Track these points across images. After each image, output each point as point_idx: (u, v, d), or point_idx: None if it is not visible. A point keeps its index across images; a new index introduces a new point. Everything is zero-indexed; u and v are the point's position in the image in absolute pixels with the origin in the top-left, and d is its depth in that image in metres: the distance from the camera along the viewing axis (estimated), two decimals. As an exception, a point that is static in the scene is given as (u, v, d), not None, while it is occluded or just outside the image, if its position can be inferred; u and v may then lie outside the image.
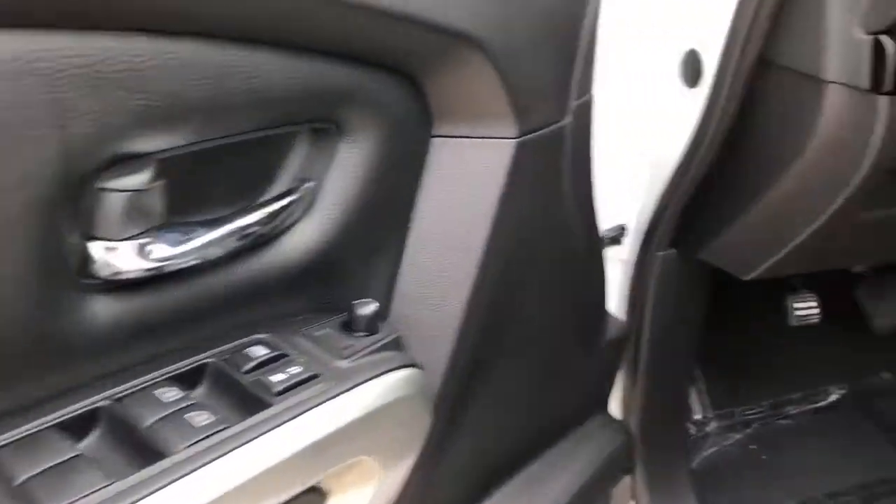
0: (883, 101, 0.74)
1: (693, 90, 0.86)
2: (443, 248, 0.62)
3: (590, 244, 0.81)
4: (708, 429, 1.27)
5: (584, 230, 0.79)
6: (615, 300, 1.02)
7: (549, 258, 0.73)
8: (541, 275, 0.73)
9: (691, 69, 0.86)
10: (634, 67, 0.93)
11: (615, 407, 1.02)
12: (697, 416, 1.27)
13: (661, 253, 0.97)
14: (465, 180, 0.60)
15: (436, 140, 0.59)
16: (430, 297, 0.62)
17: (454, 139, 0.59)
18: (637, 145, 0.96)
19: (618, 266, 1.01)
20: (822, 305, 1.12)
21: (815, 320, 1.10)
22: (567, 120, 0.66)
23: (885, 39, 0.72)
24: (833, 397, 1.38)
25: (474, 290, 0.63)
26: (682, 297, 1.01)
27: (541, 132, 0.62)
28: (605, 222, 1.00)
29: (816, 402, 1.36)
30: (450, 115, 0.59)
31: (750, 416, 1.32)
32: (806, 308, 1.08)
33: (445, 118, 0.59)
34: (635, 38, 0.92)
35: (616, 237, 1.01)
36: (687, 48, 0.87)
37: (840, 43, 0.74)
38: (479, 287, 0.63)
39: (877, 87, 0.73)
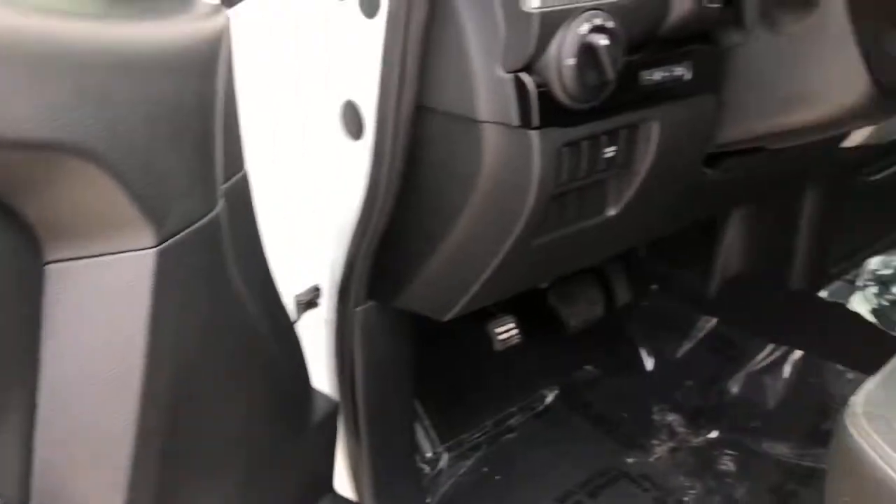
0: (534, 136, 0.76)
1: (358, 142, 0.84)
2: (91, 387, 0.51)
3: (275, 323, 0.75)
4: (441, 464, 1.27)
5: (265, 310, 0.72)
6: (324, 364, 0.98)
7: (230, 355, 0.66)
8: (225, 376, 0.66)
9: (352, 121, 0.84)
10: (297, 125, 0.89)
11: (344, 481, 0.98)
12: (429, 454, 1.27)
13: (359, 308, 0.95)
14: (102, 304, 0.51)
15: (52, 267, 0.49)
16: (83, 453, 0.51)
17: (79, 262, 0.49)
18: (315, 202, 0.92)
19: (321, 328, 0.97)
20: (521, 322, 1.17)
21: (518, 340, 1.14)
22: (218, 208, 0.59)
23: (524, 77, 0.75)
24: (549, 399, 1.46)
25: (141, 422, 0.54)
26: (389, 348, 1.00)
27: (187, 231, 0.54)
28: (298, 285, 0.96)
29: (535, 408, 1.43)
30: (67, 237, 0.49)
31: (477, 439, 1.34)
32: (506, 331, 1.12)
33: (62, 241, 0.49)
34: (292, 94, 0.88)
35: (312, 300, 0.96)
36: (344, 100, 0.84)
37: (486, 84, 0.76)
38: (146, 417, 0.54)
39: (526, 122, 0.75)
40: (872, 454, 0.74)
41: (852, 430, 0.76)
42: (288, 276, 0.87)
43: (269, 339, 0.73)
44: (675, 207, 1.06)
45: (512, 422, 1.39)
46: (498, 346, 1.12)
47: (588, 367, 1.53)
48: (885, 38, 0.80)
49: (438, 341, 1.17)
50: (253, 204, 0.69)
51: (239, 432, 0.72)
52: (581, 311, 1.41)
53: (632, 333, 1.58)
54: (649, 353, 1.57)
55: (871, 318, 1.54)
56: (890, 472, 0.72)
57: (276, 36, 0.86)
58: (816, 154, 1.22)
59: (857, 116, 0.88)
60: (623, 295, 1.52)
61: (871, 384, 0.82)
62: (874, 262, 1.62)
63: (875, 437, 0.74)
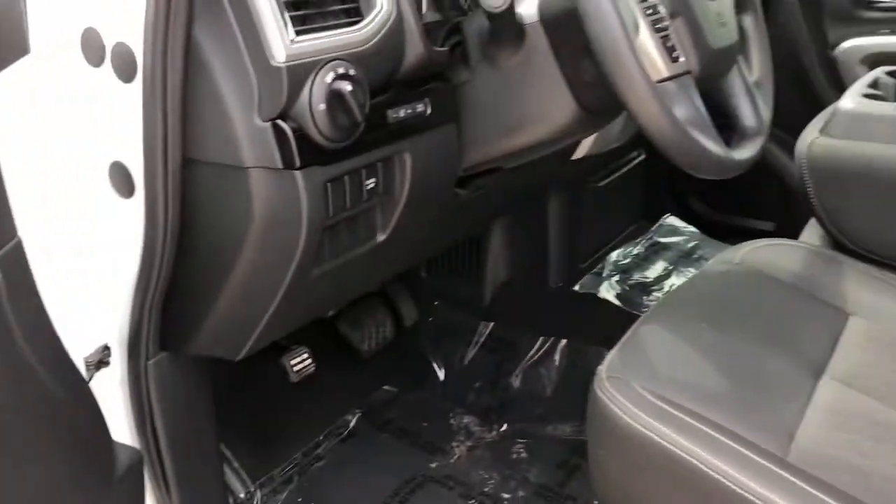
0: (298, 176, 0.83)
1: (130, 200, 0.87)
2: None
3: (69, 386, 0.76)
4: (255, 502, 1.30)
5: (57, 376, 0.73)
6: (124, 418, 0.98)
7: (27, 425, 0.67)
8: (24, 445, 0.66)
9: (122, 180, 0.87)
10: (68, 188, 0.90)
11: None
12: (241, 494, 1.29)
13: (152, 361, 0.96)
14: None
15: None
16: None
17: None
18: (95, 262, 0.93)
19: (117, 384, 0.97)
20: (316, 351, 1.23)
21: (313, 369, 1.20)
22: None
23: (281, 123, 0.82)
24: (352, 423, 1.53)
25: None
26: (188, 396, 1.02)
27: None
28: (86, 347, 0.96)
29: (340, 434, 1.49)
30: None
31: (289, 472, 1.38)
32: (300, 362, 1.17)
33: None
34: (60, 158, 0.89)
35: (102, 360, 0.97)
36: (111, 160, 0.87)
37: (247, 133, 0.82)
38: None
39: (289, 164, 0.83)
40: (616, 410, 0.88)
41: (599, 393, 0.91)
42: (75, 337, 0.87)
43: (65, 403, 0.74)
44: (437, 227, 1.18)
45: (320, 450, 1.44)
46: (294, 378, 1.17)
47: (386, 387, 1.62)
48: (581, 67, 0.96)
49: (237, 382, 1.20)
50: (30, 270, 0.70)
51: (43, 498, 0.72)
52: (371, 334, 1.50)
53: (422, 348, 1.70)
54: (439, 365, 1.69)
55: (616, 302, 1.77)
56: (630, 422, 0.87)
57: (39, 100, 0.87)
58: (551, 168, 1.40)
59: (569, 133, 1.04)
60: (410, 314, 1.64)
61: (612, 353, 0.98)
62: (615, 255, 1.86)
63: (617, 395, 0.89)
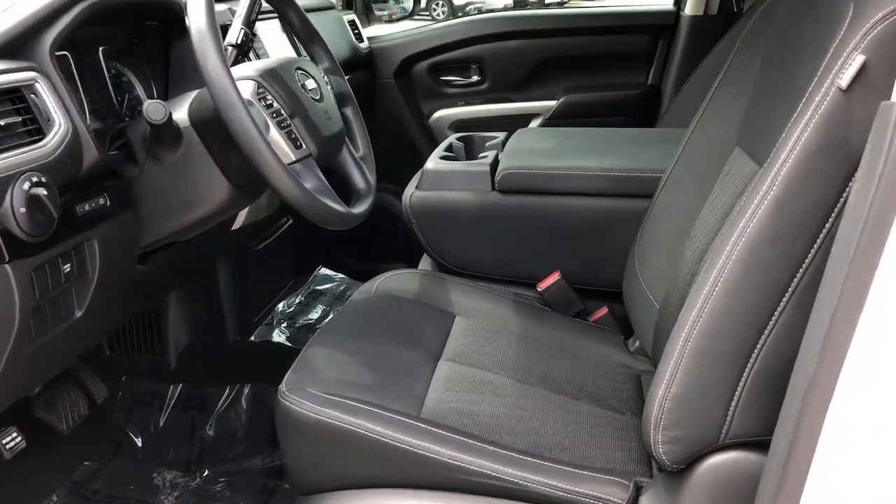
0: (8, 268, 0.97)
1: None
2: None
3: None
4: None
5: None
6: None
7: None
8: None
9: None
10: None
11: None
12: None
13: None
14: None
15: None
16: None
17: None
18: None
19: None
20: (22, 432, 1.33)
21: (24, 445, 1.30)
22: None
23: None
24: (58, 500, 1.60)
25: None
26: None
27: None
28: None
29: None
30: None
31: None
32: (12, 440, 1.27)
33: None
34: None
35: None
36: None
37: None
38: None
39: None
40: (298, 409, 1.16)
41: (283, 402, 1.18)
42: None
43: None
44: (123, 301, 1.36)
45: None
46: (7, 456, 1.26)
47: (87, 462, 1.71)
48: (230, 156, 1.25)
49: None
50: None
51: None
52: (67, 414, 1.60)
53: (118, 421, 1.81)
54: (135, 433, 1.82)
55: (288, 343, 2.05)
56: (310, 414, 1.15)
57: None
58: (216, 239, 1.65)
59: (227, 208, 1.31)
60: (99, 392, 1.75)
61: (288, 373, 1.26)
62: (281, 306, 2.15)
63: (297, 398, 1.17)
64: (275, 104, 1.23)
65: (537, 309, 1.61)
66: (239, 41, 1.45)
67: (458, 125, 2.62)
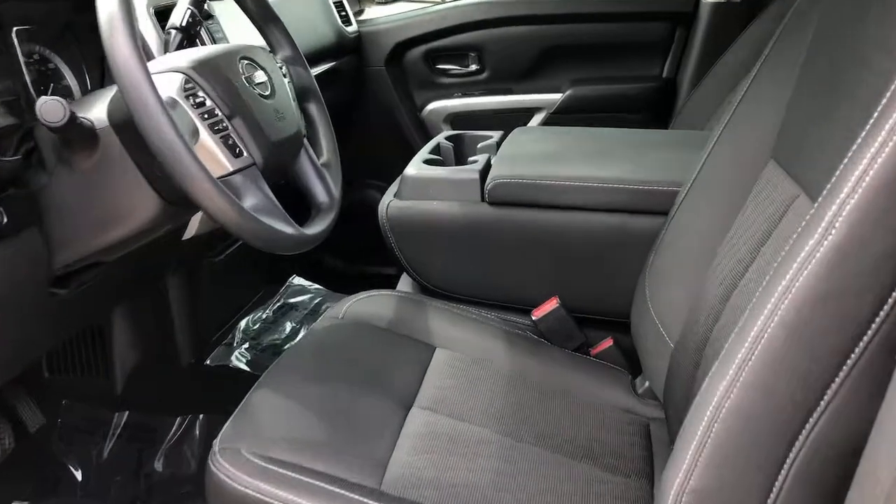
0: None
1: None
2: None
3: None
4: None
5: None
6: None
7: None
8: None
9: None
10: None
11: None
12: None
13: None
14: None
15: None
16: None
17: None
18: None
19: None
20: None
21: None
22: None
23: None
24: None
25: None
26: None
27: None
28: None
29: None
30: None
31: None
32: None
33: None
34: None
35: None
36: None
37: None
38: None
39: None
40: (226, 479, 0.96)
41: (212, 467, 0.97)
42: None
43: None
44: (41, 326, 1.15)
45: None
46: None
47: (17, 501, 1.51)
48: (155, 164, 1.03)
49: None
50: None
51: None
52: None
53: (56, 451, 1.61)
54: (75, 466, 1.61)
55: (247, 369, 1.84)
56: (239, 488, 0.95)
57: None
58: (162, 250, 1.43)
59: (159, 224, 1.10)
60: (33, 419, 1.55)
61: (226, 425, 1.05)
62: (243, 323, 1.94)
63: (227, 466, 0.96)
64: (207, 102, 1.00)
65: (532, 341, 1.39)
66: (184, 23, 1.23)
67: (454, 118, 2.41)
